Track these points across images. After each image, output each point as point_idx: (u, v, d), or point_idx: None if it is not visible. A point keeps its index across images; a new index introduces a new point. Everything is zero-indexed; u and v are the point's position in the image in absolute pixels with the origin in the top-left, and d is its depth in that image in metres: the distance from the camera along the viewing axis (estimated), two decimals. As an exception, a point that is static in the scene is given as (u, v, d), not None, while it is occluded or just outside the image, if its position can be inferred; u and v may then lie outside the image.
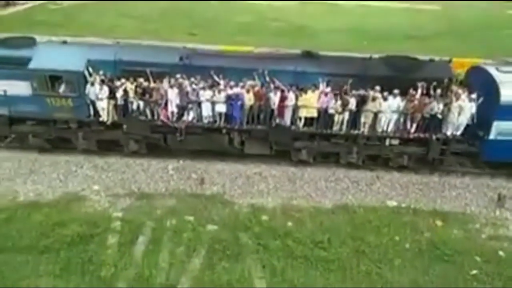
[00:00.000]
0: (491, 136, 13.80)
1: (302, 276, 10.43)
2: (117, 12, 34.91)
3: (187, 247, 11.11)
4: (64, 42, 15.27)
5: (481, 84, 13.93)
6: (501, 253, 11.51)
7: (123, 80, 13.69)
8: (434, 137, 13.87)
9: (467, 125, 13.69)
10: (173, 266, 10.51)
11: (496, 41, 29.11)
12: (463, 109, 13.36)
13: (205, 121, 14.07)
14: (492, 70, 14.11)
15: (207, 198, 13.10)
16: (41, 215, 11.91)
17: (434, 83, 13.30)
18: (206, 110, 13.87)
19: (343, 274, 10.58)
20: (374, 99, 13.39)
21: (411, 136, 13.95)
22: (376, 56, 14.92)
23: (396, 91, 13.34)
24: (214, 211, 12.53)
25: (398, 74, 13.72)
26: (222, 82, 13.61)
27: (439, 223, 12.52)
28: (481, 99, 13.39)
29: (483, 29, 33.28)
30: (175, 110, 13.85)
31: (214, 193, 13.40)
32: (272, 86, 13.54)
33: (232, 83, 13.60)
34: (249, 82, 13.59)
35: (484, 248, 11.60)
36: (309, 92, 13.41)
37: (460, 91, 13.47)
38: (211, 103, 13.71)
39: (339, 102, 13.46)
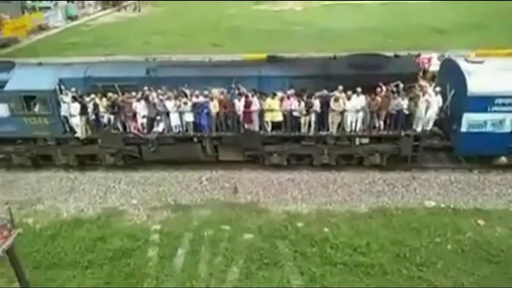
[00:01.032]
0: (463, 129, 13.36)
1: (341, 283, 10.31)
2: (146, 29, 35.88)
3: (225, 256, 11.21)
4: (40, 64, 15.76)
5: (452, 76, 13.72)
6: (549, 250, 11.01)
7: (92, 96, 14.15)
8: (403, 133, 13.61)
9: (443, 119, 13.43)
10: (212, 277, 10.62)
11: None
12: (430, 103, 13.10)
13: (176, 130, 14.36)
14: (460, 62, 13.76)
15: (241, 207, 13.21)
16: (84, 231, 12.34)
17: (397, 79, 13.15)
18: (174, 120, 14.12)
19: (384, 279, 10.38)
20: (337, 99, 13.26)
21: (381, 133, 13.77)
22: (344, 55, 14.77)
23: (358, 89, 13.19)
24: (250, 219, 12.60)
25: (362, 72, 13.52)
26: (187, 91, 13.92)
27: (481, 222, 12.10)
28: (452, 92, 13.10)
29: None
30: (144, 122, 14.16)
31: (248, 202, 13.49)
32: (236, 92, 13.72)
33: (197, 92, 13.87)
34: (215, 90, 13.80)
35: (531, 246, 11.13)
36: (275, 96, 13.52)
37: (426, 85, 13.25)
38: (179, 113, 14.00)
39: (302, 104, 13.45)
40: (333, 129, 13.84)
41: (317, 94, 13.43)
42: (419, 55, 14.86)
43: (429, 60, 15.18)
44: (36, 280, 10.30)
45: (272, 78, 13.96)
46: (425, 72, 14.56)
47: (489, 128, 13.24)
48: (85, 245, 11.73)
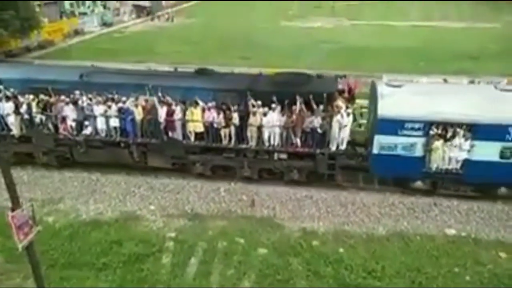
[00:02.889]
0: (375, 151, 13.33)
1: (353, 306, 10.12)
2: (177, 39, 36.69)
3: (237, 269, 11.17)
4: None
5: (373, 99, 14.05)
6: None
7: (26, 96, 14.92)
8: (318, 151, 13.75)
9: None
10: (223, 289, 10.61)
11: None
12: (342, 123, 13.31)
13: (103, 134, 14.82)
14: (379, 85, 13.75)
15: (257, 221, 13.17)
16: (101, 233, 12.54)
17: (314, 98, 13.36)
18: (100, 124, 14.71)
19: (398, 305, 10.14)
20: (254, 113, 13.61)
21: (297, 150, 14.01)
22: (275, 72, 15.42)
23: (273, 105, 13.54)
24: (265, 234, 12.54)
25: (281, 90, 13.86)
26: (115, 97, 14.45)
27: (503, 255, 11.68)
28: (372, 114, 13.28)
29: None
30: (73, 124, 14.81)
31: (265, 216, 13.45)
32: (157, 100, 14.15)
33: (123, 98, 14.37)
34: (142, 97, 14.34)
35: (555, 285, 10.66)
36: (197, 106, 13.98)
37: (342, 106, 13.43)
38: (105, 117, 14.44)
39: (221, 116, 13.82)
40: (252, 143, 14.15)
41: (235, 107, 13.89)
42: (344, 76, 15.35)
43: (356, 82, 15.43)
44: (51, 278, 10.50)
45: (197, 90, 14.39)
46: (343, 92, 14.85)
47: (400, 151, 13.15)
48: (101, 247, 11.90)
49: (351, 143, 14.52)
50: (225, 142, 14.39)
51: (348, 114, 13.47)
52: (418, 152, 13.16)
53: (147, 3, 50.52)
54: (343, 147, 13.86)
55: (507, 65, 26.32)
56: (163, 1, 54.43)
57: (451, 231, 12.64)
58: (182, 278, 10.92)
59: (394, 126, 12.94)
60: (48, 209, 13.68)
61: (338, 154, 13.98)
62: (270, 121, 13.73)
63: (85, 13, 44.09)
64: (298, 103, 13.46)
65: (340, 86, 15.04)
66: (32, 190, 14.66)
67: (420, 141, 13.02)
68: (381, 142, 13.24)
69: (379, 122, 13.10)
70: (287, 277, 10.90)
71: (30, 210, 8.71)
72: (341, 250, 11.84)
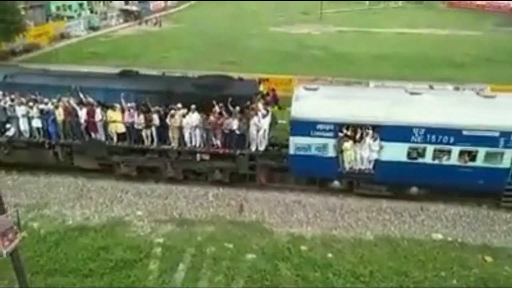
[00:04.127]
0: (291, 151, 13.76)
1: (342, 310, 10.15)
2: (165, 44, 36.53)
3: (225, 275, 11.12)
4: None
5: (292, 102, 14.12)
6: (559, 294, 10.72)
7: None
8: (238, 152, 14.09)
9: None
10: (212, 295, 10.54)
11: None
12: (258, 125, 13.75)
13: (26, 135, 14.90)
14: (297, 89, 14.37)
15: (246, 226, 13.14)
16: (88, 239, 12.36)
17: (233, 100, 13.78)
18: (23, 125, 14.82)
19: (386, 310, 10.21)
20: (173, 115, 13.88)
21: (217, 151, 14.33)
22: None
23: (192, 107, 13.88)
24: (253, 239, 12.52)
25: (201, 92, 14.33)
26: (38, 98, 14.57)
27: (488, 259, 11.86)
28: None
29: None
30: None
31: (253, 221, 13.43)
32: (76, 101, 14.35)
33: (46, 99, 14.54)
34: (64, 99, 14.52)
35: (540, 288, 10.85)
36: (116, 108, 14.17)
37: (260, 108, 13.83)
38: (27, 118, 14.56)
39: (141, 117, 13.94)
40: (174, 144, 14.37)
41: (155, 108, 14.08)
42: (267, 80, 15.77)
43: (274, 88, 16.32)
44: (36, 285, 10.32)
45: (118, 91, 14.48)
46: (268, 95, 15.45)
47: (314, 152, 13.55)
48: (88, 253, 11.73)
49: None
50: (147, 143, 14.54)
51: (263, 116, 13.77)
52: (331, 152, 13.60)
53: (134, 8, 50.30)
54: (262, 148, 14.16)
55: (490, 72, 26.87)
56: (152, 6, 54.27)
57: (438, 236, 12.80)
58: (170, 284, 10.83)
59: (307, 127, 13.37)
60: (34, 215, 13.45)
61: (258, 155, 14.17)
62: (189, 122, 13.98)
63: (71, 17, 43.67)
64: (216, 106, 13.82)
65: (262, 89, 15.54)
66: (17, 195, 14.40)
67: (331, 142, 13.47)
68: (296, 143, 13.65)
69: (293, 123, 13.56)
70: (276, 283, 10.89)
71: (14, 215, 8.58)
72: (329, 255, 11.88)
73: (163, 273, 11.16)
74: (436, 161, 13.17)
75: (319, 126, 13.31)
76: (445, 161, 13.14)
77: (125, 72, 15.90)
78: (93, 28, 43.32)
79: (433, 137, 12.88)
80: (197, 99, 14.05)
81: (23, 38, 33.04)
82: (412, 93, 13.91)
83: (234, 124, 13.86)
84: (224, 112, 13.91)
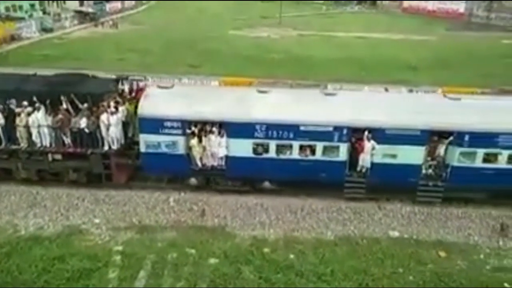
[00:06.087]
0: (142, 149, 14.02)
1: (305, 311, 10.26)
2: (121, 46, 35.70)
3: (188, 281, 10.97)
4: None
5: None
6: (506, 285, 11.32)
7: None
8: (90, 151, 14.04)
9: None
10: (174, 301, 10.37)
11: (495, 70, 29.52)
12: (106, 123, 13.69)
13: None
14: (149, 87, 14.93)
15: (208, 230, 13.04)
16: (42, 249, 11.85)
17: (84, 98, 13.72)
18: None
19: (347, 308, 10.41)
20: (19, 114, 13.71)
21: (68, 150, 14.13)
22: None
23: (37, 105, 13.62)
24: (216, 243, 12.43)
25: (51, 89, 14.05)
26: None
27: (442, 254, 12.38)
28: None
29: (480, 58, 33.90)
30: None
31: (216, 225, 13.35)
32: None
33: None
34: None
35: (489, 280, 11.43)
36: None
37: (107, 105, 13.79)
38: None
39: None
40: (23, 144, 14.11)
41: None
42: (127, 78, 16.09)
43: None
44: (-15, 300, 9.78)
45: None
46: (130, 93, 15.57)
47: (164, 149, 13.84)
48: (42, 264, 11.26)
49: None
50: None
51: (112, 114, 13.63)
52: (181, 150, 13.85)
53: (90, 9, 48.91)
54: (115, 146, 14.06)
55: (442, 75, 28.13)
56: (108, 7, 52.97)
57: (395, 233, 13.22)
58: (130, 292, 10.56)
59: (155, 125, 13.56)
60: (-18, 226, 12.74)
61: (112, 154, 14.15)
62: (35, 121, 13.66)
63: (22, 18, 41.84)
64: (63, 103, 13.64)
65: (126, 87, 15.55)
66: (-38, 206, 13.59)
67: (180, 140, 13.73)
68: (146, 140, 13.80)
69: (140, 121, 13.68)
70: (239, 286, 10.85)
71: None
72: (291, 256, 11.99)
73: (123, 281, 10.87)
74: (280, 156, 13.75)
75: (167, 124, 13.45)
76: (288, 156, 13.74)
77: None
78: (46, 30, 41.74)
79: (275, 133, 13.46)
80: (46, 97, 13.71)
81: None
82: (260, 92, 14.39)
83: (82, 122, 13.56)
84: (71, 110, 13.60)
